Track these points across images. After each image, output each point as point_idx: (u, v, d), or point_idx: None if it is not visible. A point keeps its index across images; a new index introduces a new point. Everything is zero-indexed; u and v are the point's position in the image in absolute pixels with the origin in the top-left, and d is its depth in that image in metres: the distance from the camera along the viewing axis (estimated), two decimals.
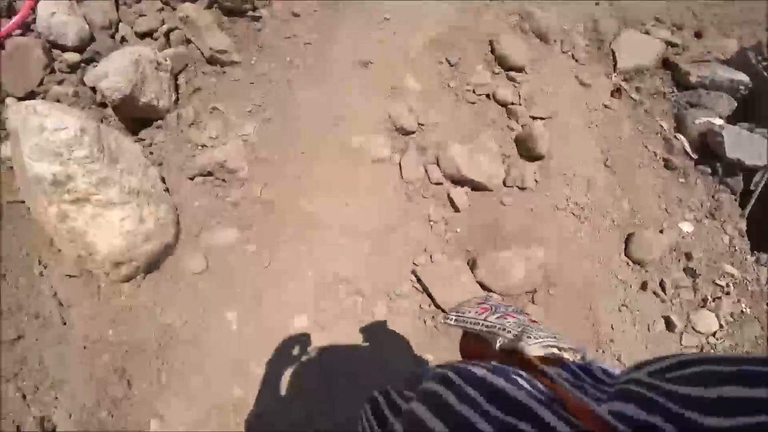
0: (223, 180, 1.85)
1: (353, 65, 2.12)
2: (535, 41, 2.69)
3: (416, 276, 1.77)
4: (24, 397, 1.59)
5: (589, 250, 2.10)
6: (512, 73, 2.43)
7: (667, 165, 2.49)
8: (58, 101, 2.00)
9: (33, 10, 1.97)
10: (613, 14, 3.08)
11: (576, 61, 2.77)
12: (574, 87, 2.66)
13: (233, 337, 1.60)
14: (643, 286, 2.09)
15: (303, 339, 1.68)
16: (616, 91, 2.76)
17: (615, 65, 2.82)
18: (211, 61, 2.15)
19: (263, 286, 1.67)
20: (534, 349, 0.58)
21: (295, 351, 1.66)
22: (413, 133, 2.02)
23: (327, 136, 1.93)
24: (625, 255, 2.15)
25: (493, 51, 2.45)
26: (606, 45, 2.89)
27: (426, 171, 1.93)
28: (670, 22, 3.18)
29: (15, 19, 1.93)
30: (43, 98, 1.99)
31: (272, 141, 1.93)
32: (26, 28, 1.98)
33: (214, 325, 1.62)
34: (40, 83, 1.99)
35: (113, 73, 1.90)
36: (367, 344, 1.72)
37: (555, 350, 0.58)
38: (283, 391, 1.58)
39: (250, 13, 2.26)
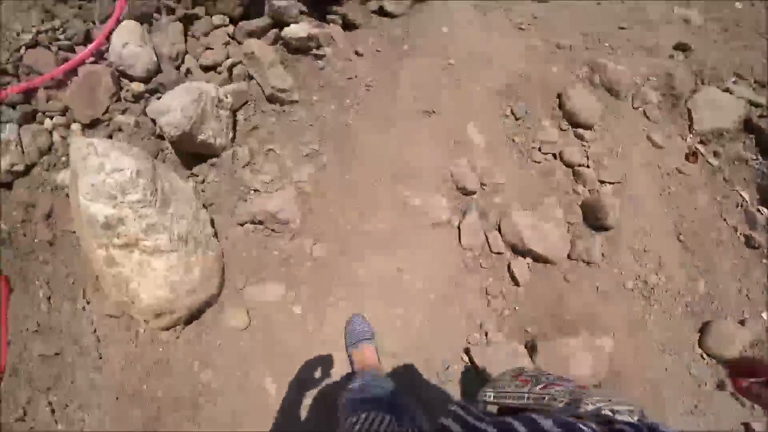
0: (274, 230, 1.77)
1: (415, 113, 2.02)
2: (604, 95, 2.53)
3: (469, 356, 1.63)
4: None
5: (659, 338, 1.89)
6: (580, 131, 2.27)
7: (749, 243, 2.25)
8: (120, 130, 2.01)
9: (107, 38, 1.98)
10: (688, 68, 2.87)
11: (648, 119, 2.58)
12: (645, 148, 2.47)
13: (270, 407, 1.50)
14: (720, 386, 1.86)
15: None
16: (692, 155, 2.55)
17: (691, 125, 2.61)
18: (272, 99, 2.11)
19: (307, 354, 1.57)
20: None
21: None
22: (475, 193, 1.89)
23: (384, 191, 1.83)
24: (700, 347, 1.93)
25: (561, 105, 2.30)
26: (681, 102, 2.68)
27: (486, 238, 1.80)
28: (752, 78, 2.93)
29: (90, 46, 1.95)
30: (107, 125, 2.00)
31: (327, 191, 1.84)
32: (99, 56, 1.99)
33: (251, 390, 1.52)
34: (106, 111, 2.00)
35: (174, 109, 1.87)
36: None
37: (610, 413, 0.55)
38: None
39: (314, 51, 2.21)
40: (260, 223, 1.79)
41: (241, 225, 1.82)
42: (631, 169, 2.32)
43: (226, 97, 2.03)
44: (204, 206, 1.90)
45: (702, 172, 2.50)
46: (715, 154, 2.56)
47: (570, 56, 2.53)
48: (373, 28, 2.34)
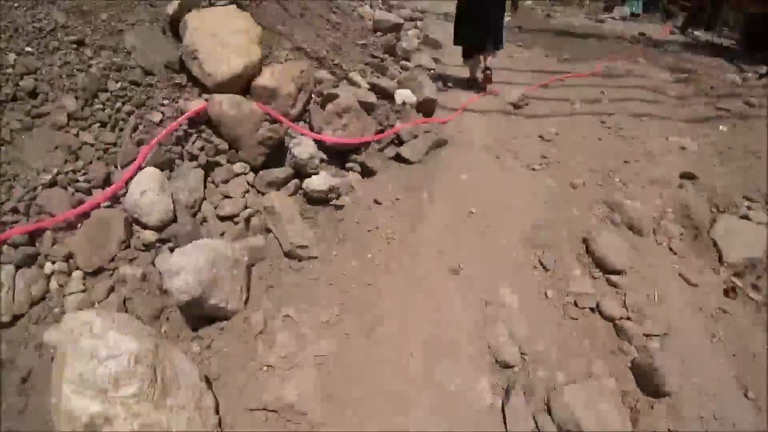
0: (290, 421, 1.53)
1: (442, 271, 1.92)
2: (627, 234, 2.48)
3: None
4: None
5: None
6: (613, 278, 2.16)
7: None
8: (124, 282, 1.87)
9: (126, 183, 1.96)
10: (700, 197, 2.89)
11: (675, 253, 2.50)
12: (681, 288, 2.33)
13: None
14: None
15: None
16: (731, 291, 2.40)
17: (720, 257, 2.52)
18: (290, 255, 2.02)
19: None
20: None
21: None
22: (515, 366, 1.69)
23: (416, 371, 1.63)
24: None
25: (588, 250, 2.23)
26: (703, 233, 2.63)
27: (536, 424, 1.55)
28: (763, 201, 2.95)
29: (106, 191, 1.90)
30: (111, 275, 1.87)
31: (351, 369, 1.64)
32: (115, 200, 1.93)
33: None
34: (112, 259, 1.89)
35: (185, 271, 1.75)
36: None
37: None
38: None
39: (334, 201, 2.20)
40: (274, 411, 1.55)
41: (252, 410, 1.58)
42: (674, 316, 2.16)
43: (243, 256, 1.94)
44: (208, 381, 1.67)
45: (746, 309, 2.34)
46: (754, 287, 2.42)
47: (586, 195, 2.54)
48: (392, 174, 2.37)
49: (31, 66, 1.92)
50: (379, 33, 3.94)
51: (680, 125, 3.76)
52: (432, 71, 3.74)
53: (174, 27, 2.40)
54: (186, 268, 1.76)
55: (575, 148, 2.91)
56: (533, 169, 2.61)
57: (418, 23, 5.05)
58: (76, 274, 1.78)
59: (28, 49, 1.93)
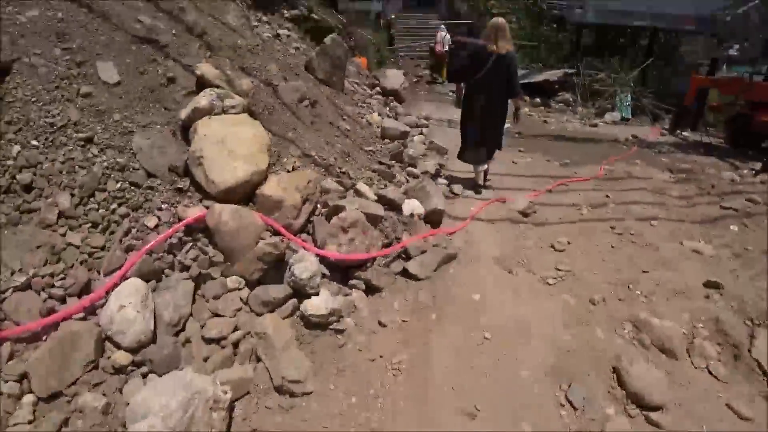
0: None
1: (456, 415, 1.65)
2: (659, 357, 2.23)
3: None
4: None
5: None
6: (653, 415, 1.87)
7: None
8: (81, 412, 1.59)
9: (107, 293, 1.78)
10: (730, 308, 2.68)
11: (717, 378, 2.22)
12: (732, 423, 2.02)
13: None
14: None
15: None
16: None
17: None
18: (280, 390, 1.77)
19: None
20: None
21: None
22: None
23: None
24: None
25: (620, 382, 1.97)
26: (743, 352, 2.36)
27: None
28: None
29: (82, 301, 1.73)
30: (69, 402, 1.60)
31: None
32: (91, 310, 1.75)
33: None
34: (74, 382, 1.64)
35: (153, 416, 1.49)
36: None
37: None
38: None
39: (335, 324, 2.01)
40: None
41: None
42: None
43: (225, 393, 1.68)
44: None
45: None
46: None
47: (608, 313, 2.34)
48: (398, 292, 2.20)
49: (33, 159, 1.87)
50: (386, 140, 4.10)
51: (690, 227, 3.68)
52: (438, 177, 3.81)
53: (185, 131, 2.39)
54: (154, 410, 1.50)
55: (589, 257, 2.78)
56: (548, 284, 2.45)
57: (424, 130, 5.30)
58: (27, 399, 1.56)
59: (34, 142, 1.90)
